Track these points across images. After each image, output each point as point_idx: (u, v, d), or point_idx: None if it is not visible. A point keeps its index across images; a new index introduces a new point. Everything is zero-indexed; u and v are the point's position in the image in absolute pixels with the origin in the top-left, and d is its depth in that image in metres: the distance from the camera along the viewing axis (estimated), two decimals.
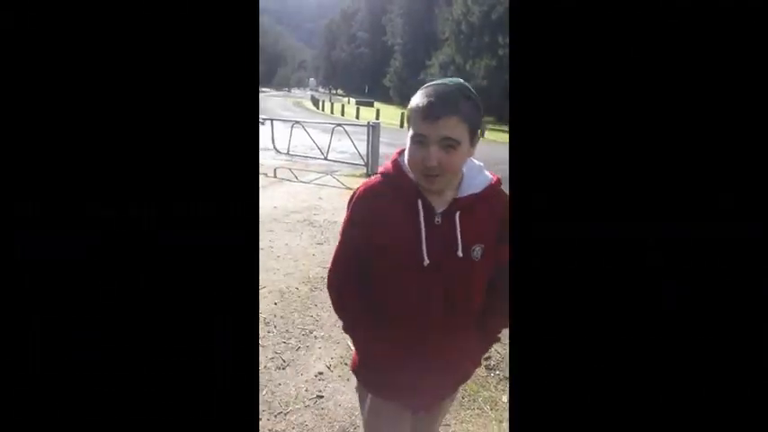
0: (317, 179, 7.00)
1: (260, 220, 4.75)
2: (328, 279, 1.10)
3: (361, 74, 54.97)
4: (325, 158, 8.05)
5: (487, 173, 1.01)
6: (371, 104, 31.59)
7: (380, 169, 1.02)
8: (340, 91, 65.04)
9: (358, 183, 6.17)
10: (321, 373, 2.28)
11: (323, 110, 26.93)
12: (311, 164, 8.12)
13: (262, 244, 4.03)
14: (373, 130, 7.38)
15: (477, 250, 0.95)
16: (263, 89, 63.75)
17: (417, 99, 0.89)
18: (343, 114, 22.99)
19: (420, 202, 0.95)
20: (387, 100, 41.93)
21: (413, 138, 0.90)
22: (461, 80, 0.92)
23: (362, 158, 7.63)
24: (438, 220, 0.95)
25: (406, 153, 0.94)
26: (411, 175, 0.96)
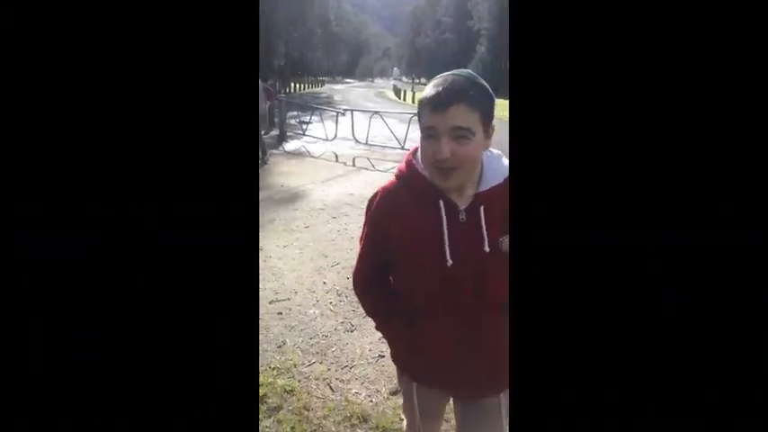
0: (392, 168, 7.34)
1: (336, 204, 5.20)
2: (353, 283, 1.12)
3: (446, 61, 54.28)
4: (402, 148, 8.36)
5: (506, 160, 0.97)
6: None
7: (395, 172, 1.01)
8: (423, 80, 64.80)
9: None
10: (376, 327, 2.61)
11: (404, 100, 27.24)
12: (389, 153, 8.48)
13: (337, 227, 4.46)
14: None
15: (505, 240, 0.93)
16: (347, 80, 65.28)
17: (425, 91, 0.87)
18: None
19: (442, 202, 0.93)
20: None
21: (423, 132, 0.88)
22: (470, 71, 0.90)
23: None
24: (462, 217, 0.93)
25: (420, 150, 0.92)
26: (426, 174, 0.94)
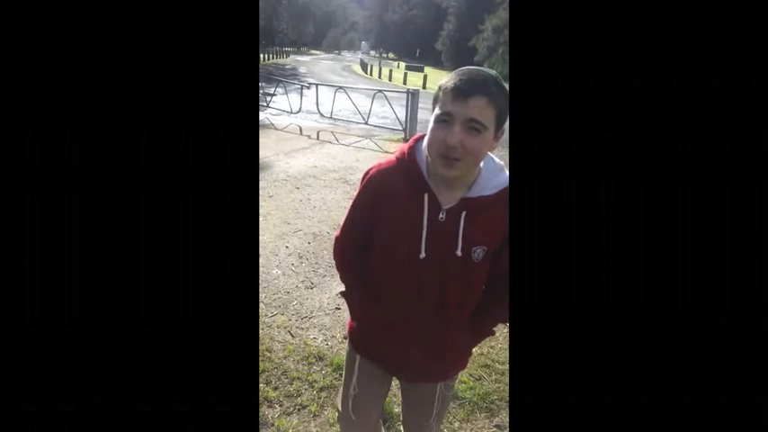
0: (356, 142, 7.53)
1: (299, 176, 5.39)
2: (333, 247, 1.14)
3: (414, 37, 54.01)
4: (366, 123, 8.55)
5: (506, 173, 0.96)
6: (421, 69, 31.41)
7: (396, 153, 1.01)
8: (392, 55, 64.23)
9: (395, 147, 6.55)
10: (341, 293, 2.89)
11: (371, 74, 27.14)
12: (352, 128, 8.64)
13: (300, 196, 4.67)
14: (413, 96, 7.77)
15: (479, 252, 0.93)
16: (313, 52, 63.77)
17: (449, 79, 0.87)
18: (390, 80, 23.15)
19: (426, 197, 0.93)
20: (438, 65, 41.28)
21: (437, 117, 0.87)
22: (495, 72, 0.89)
23: (401, 124, 8.07)
24: (442, 216, 0.93)
25: (427, 135, 0.91)
26: (422, 167, 0.95)
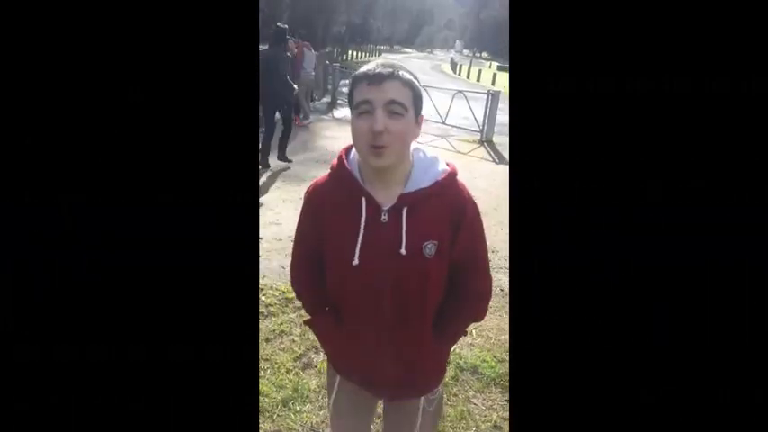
0: (431, 141, 7.75)
1: None
2: (290, 275, 1.11)
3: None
4: (443, 123, 8.74)
5: (443, 164, 0.95)
6: None
7: (330, 165, 0.99)
8: (485, 54, 62.89)
9: (469, 148, 6.65)
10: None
11: (460, 74, 27.00)
12: (429, 127, 8.88)
13: None
14: (492, 98, 7.82)
15: (430, 247, 0.90)
16: (406, 50, 64.18)
17: (359, 70, 0.87)
18: (478, 80, 22.92)
19: (364, 201, 0.91)
20: None
21: (356, 108, 0.86)
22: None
23: (478, 126, 8.16)
24: (384, 217, 0.90)
25: (351, 132, 0.89)
26: (356, 172, 0.94)
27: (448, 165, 0.96)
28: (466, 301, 1.00)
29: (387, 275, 0.92)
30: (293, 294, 2.66)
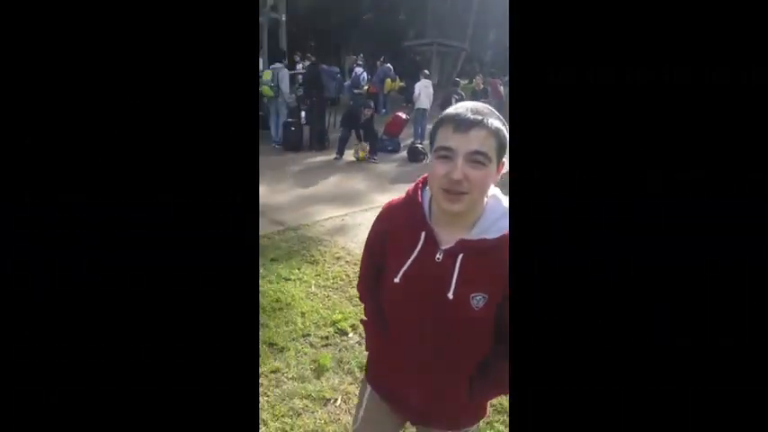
0: None
1: None
2: (358, 280, 1.18)
3: None
4: None
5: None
6: None
7: (408, 189, 1.00)
8: None
9: None
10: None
11: None
12: None
13: None
14: None
15: (479, 299, 0.88)
16: None
17: (446, 113, 0.87)
18: None
19: (423, 235, 0.92)
20: None
21: (437, 152, 0.85)
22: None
23: None
24: (439, 257, 0.90)
25: (430, 171, 0.88)
26: (425, 204, 0.94)
27: None
28: (501, 362, 0.92)
29: (431, 314, 0.92)
30: None
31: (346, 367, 2.10)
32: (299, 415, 1.79)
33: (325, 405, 1.84)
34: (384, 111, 10.32)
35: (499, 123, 0.85)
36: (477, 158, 0.82)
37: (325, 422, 1.75)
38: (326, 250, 3.46)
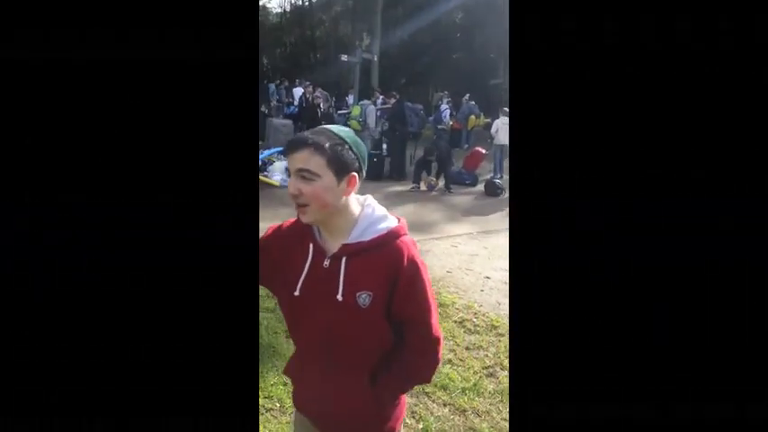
0: None
1: None
2: None
3: None
4: None
5: (389, 221, 1.02)
6: None
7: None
8: None
9: None
10: None
11: None
12: None
13: None
14: None
15: (365, 297, 0.96)
16: None
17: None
18: None
19: (312, 246, 1.01)
20: None
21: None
22: (347, 129, 1.00)
23: None
24: (326, 263, 0.99)
25: None
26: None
27: (399, 221, 1.03)
28: (403, 356, 1.03)
29: (321, 315, 0.99)
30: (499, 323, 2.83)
31: None
32: None
33: None
34: (467, 145, 10.48)
35: (332, 144, 0.93)
36: (303, 174, 0.92)
37: None
38: None
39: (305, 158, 0.92)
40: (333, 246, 1.01)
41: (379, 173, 7.48)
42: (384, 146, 7.80)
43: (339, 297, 0.97)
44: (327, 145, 0.93)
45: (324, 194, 0.94)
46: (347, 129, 1.01)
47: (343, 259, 0.98)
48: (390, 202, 6.12)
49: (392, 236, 1.00)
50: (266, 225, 1.06)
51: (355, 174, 0.97)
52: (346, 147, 0.95)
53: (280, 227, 1.10)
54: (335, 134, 0.97)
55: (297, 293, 1.00)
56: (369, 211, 1.02)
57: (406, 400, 1.98)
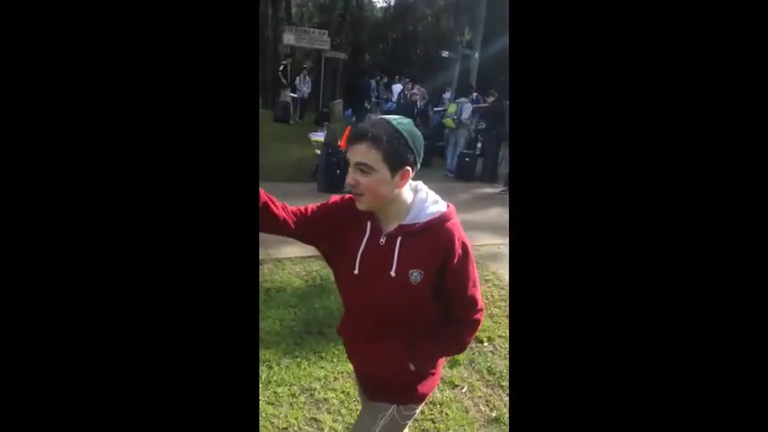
0: None
1: None
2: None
3: None
4: None
5: (440, 205, 1.09)
6: None
7: None
8: None
9: None
10: None
11: None
12: None
13: None
14: None
15: (416, 275, 1.04)
16: None
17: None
18: None
19: (369, 224, 1.08)
20: None
21: None
22: (406, 120, 1.03)
23: None
24: (382, 240, 1.06)
25: None
26: None
27: (448, 206, 1.10)
28: (445, 325, 1.12)
29: (374, 289, 1.07)
30: None
31: (476, 367, 2.51)
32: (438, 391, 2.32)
33: (453, 389, 2.32)
34: None
35: (389, 138, 0.97)
36: (360, 167, 0.99)
37: (451, 400, 2.24)
38: (478, 272, 3.68)
39: (363, 152, 0.99)
40: (388, 226, 1.08)
41: (471, 174, 7.35)
42: (479, 145, 7.67)
43: (392, 273, 1.04)
44: (385, 139, 0.98)
45: (378, 187, 1.01)
46: (407, 121, 1.04)
47: (399, 238, 1.05)
48: (480, 203, 6.01)
49: (443, 219, 1.06)
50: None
51: (409, 168, 1.02)
52: (403, 140, 1.00)
53: (342, 198, 1.16)
54: (394, 127, 1.01)
55: (356, 272, 1.08)
56: (422, 195, 1.10)
57: (482, 390, 2.05)
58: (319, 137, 6.22)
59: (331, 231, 1.13)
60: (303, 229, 1.11)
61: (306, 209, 1.15)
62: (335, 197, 1.17)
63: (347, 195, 1.14)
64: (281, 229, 1.09)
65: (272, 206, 1.07)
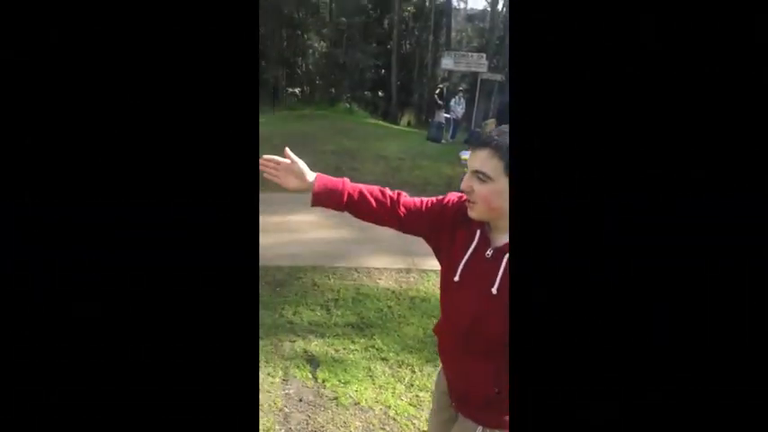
0: None
1: None
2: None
3: None
4: None
5: None
6: None
7: None
8: None
9: None
10: None
11: None
12: None
13: None
14: None
15: None
16: None
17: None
18: None
19: (478, 232, 1.03)
20: None
21: None
22: None
23: None
24: (489, 253, 1.00)
25: None
26: None
27: None
28: None
29: (472, 302, 1.01)
30: None
31: None
32: None
33: None
34: None
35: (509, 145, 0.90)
36: (477, 175, 0.96)
37: None
38: None
39: (483, 159, 0.95)
40: (498, 239, 1.02)
41: None
42: None
43: (494, 290, 0.98)
44: (505, 148, 0.93)
45: (493, 198, 0.96)
46: None
47: (506, 256, 0.98)
48: None
49: None
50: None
51: None
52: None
53: (460, 198, 1.11)
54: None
55: (457, 279, 1.03)
56: None
57: None
58: (468, 155, 6.10)
59: (440, 228, 1.10)
60: (412, 221, 1.10)
61: (420, 201, 1.14)
62: (453, 195, 1.13)
63: (464, 197, 1.08)
64: (381, 218, 1.09)
65: (368, 196, 1.07)
